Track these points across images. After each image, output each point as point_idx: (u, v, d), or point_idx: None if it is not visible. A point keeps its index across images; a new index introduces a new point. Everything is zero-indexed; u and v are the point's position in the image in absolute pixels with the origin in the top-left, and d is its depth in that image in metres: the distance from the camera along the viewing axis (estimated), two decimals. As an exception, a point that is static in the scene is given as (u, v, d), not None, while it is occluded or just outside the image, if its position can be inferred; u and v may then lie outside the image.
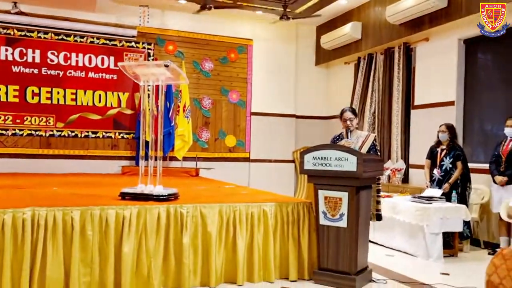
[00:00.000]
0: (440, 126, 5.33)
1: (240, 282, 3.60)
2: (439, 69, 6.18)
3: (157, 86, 3.91)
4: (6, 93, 6.88)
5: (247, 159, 8.17)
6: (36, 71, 7.02)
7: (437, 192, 5.04)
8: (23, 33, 6.96)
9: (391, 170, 6.62)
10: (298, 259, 3.79)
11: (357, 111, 5.31)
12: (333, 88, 8.66)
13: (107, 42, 7.37)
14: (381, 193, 4.36)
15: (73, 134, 7.22)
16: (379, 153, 4.11)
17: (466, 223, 4.97)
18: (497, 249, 4.35)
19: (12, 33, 6.91)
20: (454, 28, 5.86)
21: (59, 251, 3.11)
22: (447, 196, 5.01)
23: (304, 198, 7.03)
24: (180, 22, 7.75)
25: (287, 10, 7.11)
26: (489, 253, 5.00)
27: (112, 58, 7.37)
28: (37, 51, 7.03)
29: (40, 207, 3.16)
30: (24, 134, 6.98)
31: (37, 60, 7.04)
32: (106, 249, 3.24)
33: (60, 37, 7.14)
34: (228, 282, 3.64)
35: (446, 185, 5.11)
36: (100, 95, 7.34)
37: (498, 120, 5.45)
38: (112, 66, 7.36)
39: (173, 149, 7.29)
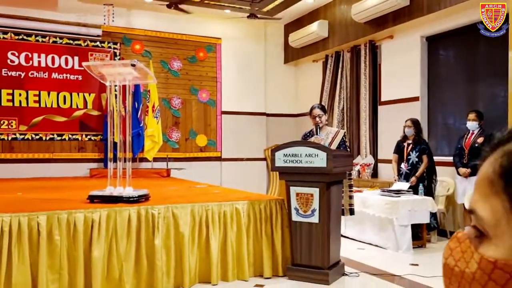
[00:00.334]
0: (406, 121, 5.47)
1: (214, 282, 3.59)
2: (403, 66, 6.34)
3: (124, 86, 3.84)
4: (-36, 96, 6.60)
5: (218, 158, 8.14)
6: (-4, 72, 6.76)
7: (404, 185, 5.17)
8: (-19, 33, 6.69)
9: (360, 165, 6.74)
10: (272, 256, 3.81)
11: (326, 108, 5.38)
12: (302, 86, 8.74)
13: (71, 42, 7.17)
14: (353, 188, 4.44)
15: (37, 137, 6.99)
16: (348, 149, 4.18)
17: (433, 215, 5.13)
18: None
19: (-31, 33, 6.63)
20: (417, 25, 6.02)
21: (25, 257, 3.01)
22: (414, 189, 5.15)
23: (276, 195, 7.07)
24: (146, 21, 7.63)
25: (255, 8, 7.13)
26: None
27: (76, 58, 7.17)
28: (-3, 52, 6.77)
29: (4, 213, 3.04)
30: (-15, 139, 6.71)
31: (-3, 61, 6.78)
32: (75, 254, 3.16)
33: (20, 37, 6.90)
34: (202, 282, 3.63)
35: (413, 179, 5.24)
36: (65, 96, 7.14)
37: (461, 114, 5.65)
38: (76, 67, 7.16)
39: (143, 150, 7.17)
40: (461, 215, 5.41)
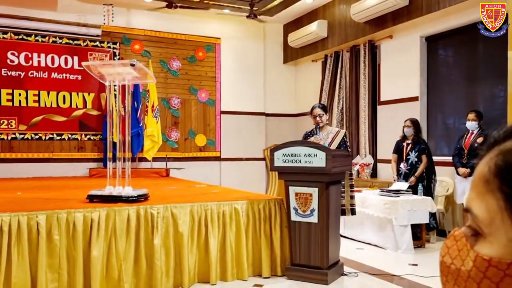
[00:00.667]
0: (405, 121, 5.48)
1: (213, 282, 3.59)
2: (403, 66, 6.35)
3: (124, 86, 3.84)
4: (-36, 95, 6.60)
5: (217, 158, 8.14)
6: (-5, 72, 6.76)
7: (404, 185, 5.17)
8: (-20, 33, 6.69)
9: (360, 165, 6.75)
10: (271, 256, 3.82)
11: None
12: (302, 85, 8.74)
13: (70, 41, 7.17)
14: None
15: (36, 136, 6.99)
16: (349, 149, 4.17)
17: (432, 215, 5.13)
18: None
19: (-32, 33, 6.63)
20: (416, 25, 6.03)
21: (24, 257, 3.01)
22: (413, 189, 5.15)
23: (275, 195, 7.08)
24: (146, 21, 7.63)
25: (254, 8, 7.13)
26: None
27: (76, 58, 7.17)
28: (-4, 52, 6.77)
29: (3, 212, 3.04)
30: (-16, 138, 6.71)
31: (-4, 61, 6.78)
32: (74, 254, 3.16)
33: (20, 37, 6.90)
34: (202, 282, 3.63)
35: (412, 178, 5.25)
36: (64, 96, 7.14)
37: (460, 114, 5.66)
38: (76, 66, 7.17)
39: (142, 149, 7.17)
40: (461, 215, 5.41)
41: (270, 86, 8.64)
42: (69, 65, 7.17)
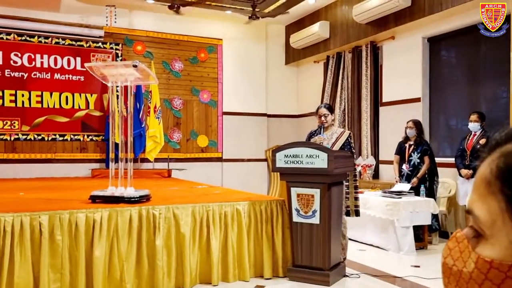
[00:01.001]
0: (408, 122, 5.47)
1: (215, 282, 3.59)
2: (405, 67, 6.34)
3: (126, 87, 3.85)
4: (-33, 96, 6.62)
5: (219, 159, 8.15)
6: (-2, 73, 6.79)
7: (406, 186, 5.16)
8: (-17, 34, 6.71)
9: (361, 166, 6.74)
10: (272, 257, 3.81)
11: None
12: (303, 86, 8.74)
13: (73, 42, 7.19)
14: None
15: (39, 137, 7.01)
16: (353, 150, 4.14)
17: (435, 216, 5.12)
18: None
19: (-29, 34, 6.65)
20: (418, 26, 6.02)
21: (27, 257, 3.02)
22: (415, 190, 5.14)
23: (277, 196, 7.07)
24: (148, 22, 7.65)
25: (256, 9, 7.14)
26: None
27: (78, 59, 7.19)
28: (-1, 53, 6.80)
29: (6, 213, 3.05)
30: (-13, 139, 6.73)
31: (0, 62, 6.80)
32: (77, 254, 3.17)
33: (23, 38, 6.92)
34: (203, 282, 3.63)
35: (414, 180, 5.24)
36: (67, 97, 7.16)
37: (462, 115, 5.65)
38: (79, 67, 7.19)
39: (145, 150, 7.18)
40: (463, 217, 5.40)
41: (272, 87, 8.65)
42: (72, 66, 7.19)
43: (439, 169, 5.37)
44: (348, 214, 4.07)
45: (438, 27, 5.84)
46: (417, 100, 6.15)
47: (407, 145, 5.45)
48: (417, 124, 5.41)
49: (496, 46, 5.02)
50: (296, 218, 3.74)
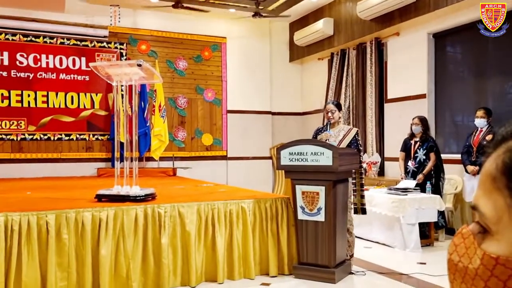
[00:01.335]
0: (413, 118, 5.44)
1: (220, 280, 3.60)
2: (410, 63, 6.31)
3: (131, 86, 3.86)
4: (-27, 97, 6.67)
5: (224, 157, 8.16)
6: (5, 73, 6.82)
7: (411, 183, 5.14)
8: (-11, 35, 6.75)
9: (367, 163, 6.72)
10: (278, 255, 3.81)
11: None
12: (308, 84, 8.72)
13: (78, 42, 7.22)
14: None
15: (45, 137, 7.05)
16: (361, 148, 4.12)
17: (441, 213, 5.09)
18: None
19: (-23, 35, 6.70)
20: (423, 22, 5.98)
21: (34, 256, 3.05)
22: (421, 187, 5.11)
23: (282, 194, 7.07)
24: (152, 21, 7.66)
25: (260, 7, 7.12)
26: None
27: (83, 59, 7.22)
28: (5, 53, 6.83)
29: (13, 212, 3.08)
30: (-6, 139, 6.78)
31: (6, 62, 6.84)
32: (83, 252, 3.19)
33: (29, 39, 6.96)
34: (209, 280, 3.64)
35: (420, 176, 5.21)
36: (72, 96, 7.19)
37: (469, 111, 5.61)
38: (84, 67, 7.21)
39: (150, 149, 7.20)
40: (470, 213, 5.37)
41: (276, 85, 8.64)
42: (77, 66, 7.22)
43: (445, 166, 5.34)
44: (356, 212, 4.06)
45: (443, 23, 5.80)
46: (422, 96, 6.12)
47: (412, 141, 5.42)
48: (423, 121, 5.38)
49: (502, 41, 4.98)
50: (301, 216, 3.73)
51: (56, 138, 7.11)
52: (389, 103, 6.71)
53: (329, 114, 4.06)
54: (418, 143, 5.35)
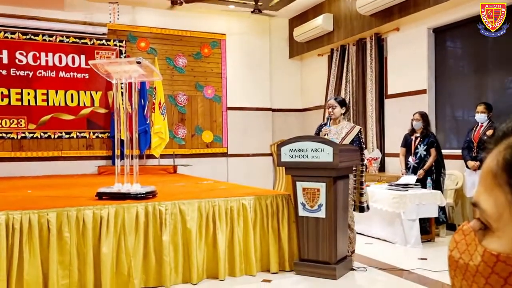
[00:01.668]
0: (414, 114, 5.43)
1: (222, 277, 3.61)
2: (410, 58, 6.29)
3: (130, 84, 3.86)
4: (-27, 95, 6.67)
5: (225, 154, 8.16)
6: (4, 72, 6.82)
7: (412, 178, 5.13)
8: (-12, 33, 6.74)
9: (367, 159, 6.71)
10: (279, 251, 3.82)
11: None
12: (308, 80, 8.71)
13: (77, 40, 7.21)
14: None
15: (45, 135, 7.05)
16: (364, 146, 4.10)
17: (442, 209, 5.09)
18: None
19: (-24, 33, 6.69)
20: (423, 17, 5.97)
21: (36, 254, 3.05)
22: (422, 183, 5.11)
23: (283, 191, 7.07)
24: (151, 18, 7.64)
25: (259, 3, 7.10)
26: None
27: (83, 56, 7.21)
28: (5, 52, 6.82)
29: (14, 210, 3.08)
30: (-6, 138, 6.78)
31: (5, 61, 6.83)
32: (85, 250, 3.19)
33: (28, 37, 6.95)
34: (210, 277, 3.65)
35: (421, 172, 5.20)
36: (72, 94, 7.19)
37: (469, 106, 5.60)
38: (83, 65, 7.20)
39: (150, 147, 7.20)
40: (470, 209, 5.37)
41: (276, 81, 8.62)
42: (76, 64, 7.21)
43: (446, 161, 5.33)
44: (354, 209, 4.05)
45: (444, 18, 5.78)
46: (423, 92, 6.11)
47: (413, 137, 5.41)
48: (423, 116, 5.38)
49: (503, 36, 4.96)
50: (302, 212, 3.74)
51: (56, 136, 7.11)
52: (389, 99, 6.70)
53: (330, 110, 4.06)
54: (419, 138, 5.34)
